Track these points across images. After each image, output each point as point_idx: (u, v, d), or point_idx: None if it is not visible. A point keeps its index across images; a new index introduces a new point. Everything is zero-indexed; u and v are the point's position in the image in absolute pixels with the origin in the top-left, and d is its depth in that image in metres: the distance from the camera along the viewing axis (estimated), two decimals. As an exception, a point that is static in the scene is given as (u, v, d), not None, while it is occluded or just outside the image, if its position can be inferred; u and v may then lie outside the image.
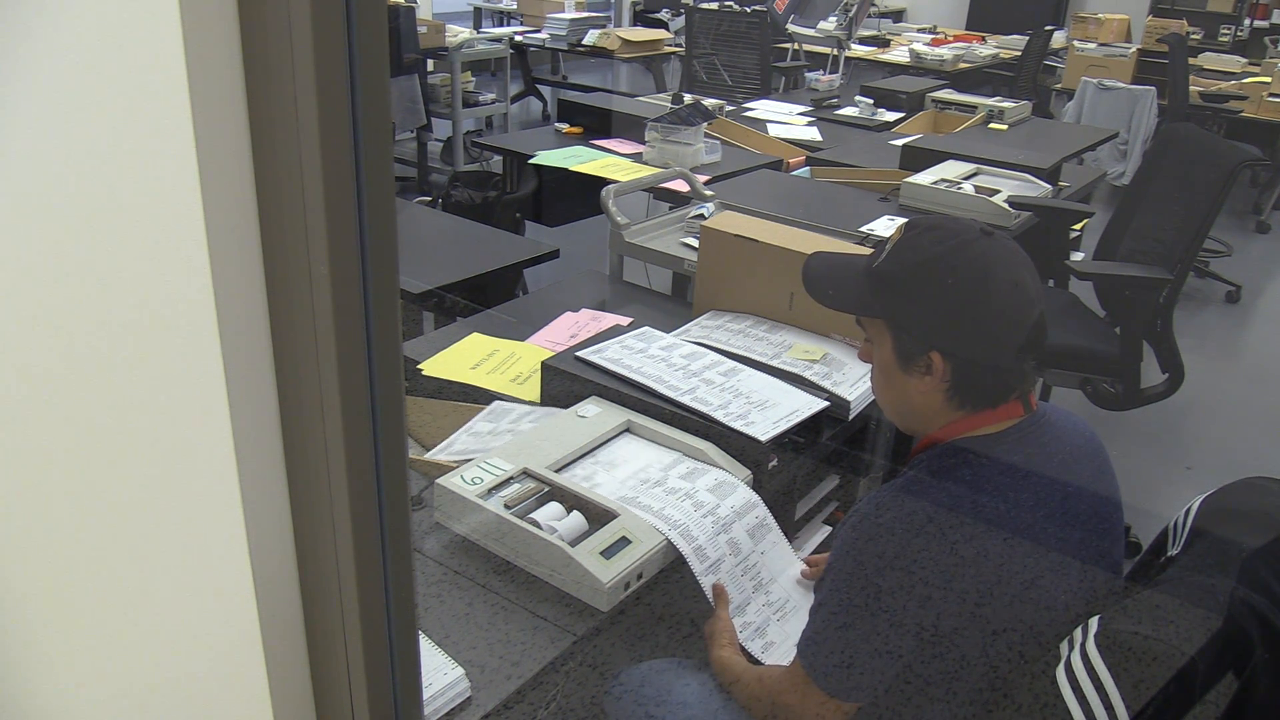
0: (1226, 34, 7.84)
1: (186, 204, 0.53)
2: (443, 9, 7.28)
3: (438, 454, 1.46)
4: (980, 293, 1.11)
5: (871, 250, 1.28)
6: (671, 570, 1.27)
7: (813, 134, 3.59)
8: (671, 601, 1.26)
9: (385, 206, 0.56)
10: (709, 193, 2.43)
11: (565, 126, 3.43)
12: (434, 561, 1.25)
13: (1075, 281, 2.85)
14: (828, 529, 1.67)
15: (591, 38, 6.10)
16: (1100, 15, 7.18)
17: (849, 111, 4.01)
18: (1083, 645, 1.00)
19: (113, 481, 0.68)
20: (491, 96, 5.97)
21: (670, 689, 1.38)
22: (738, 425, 1.43)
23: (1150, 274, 2.53)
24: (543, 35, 6.29)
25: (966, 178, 2.72)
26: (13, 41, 0.56)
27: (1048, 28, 6.49)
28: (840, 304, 1.25)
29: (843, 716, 1.12)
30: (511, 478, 1.32)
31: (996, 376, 1.12)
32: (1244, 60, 6.73)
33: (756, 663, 1.25)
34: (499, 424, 1.52)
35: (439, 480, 1.30)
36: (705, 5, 5.79)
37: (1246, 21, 8.01)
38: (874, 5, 6.18)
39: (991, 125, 3.75)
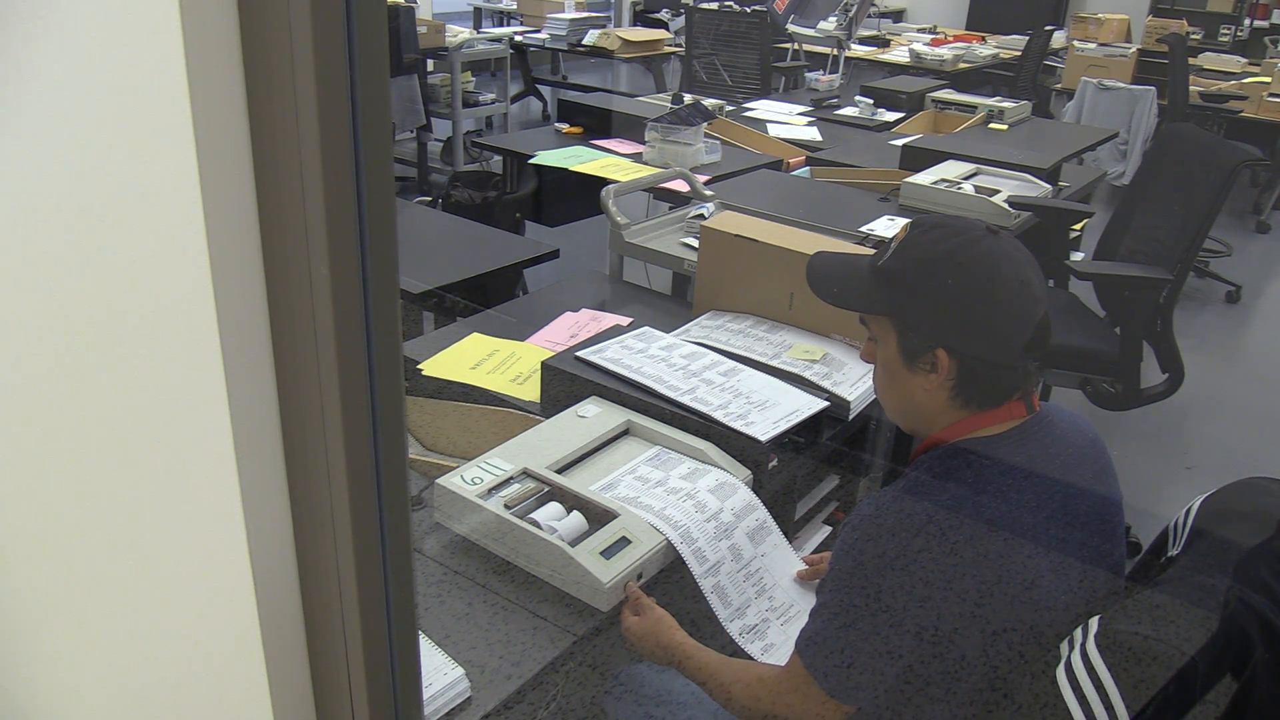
0: (1226, 34, 7.85)
1: (186, 204, 0.53)
2: (443, 9, 7.28)
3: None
4: (986, 290, 1.11)
5: (874, 249, 1.28)
6: (671, 570, 1.27)
7: (813, 134, 3.59)
8: (671, 602, 1.26)
9: (385, 206, 0.56)
10: (709, 193, 2.43)
11: (565, 126, 3.43)
12: (434, 561, 1.25)
13: (1075, 281, 2.85)
14: (828, 529, 1.67)
15: (591, 38, 6.10)
16: (1100, 15, 7.18)
17: (849, 111, 4.01)
18: (1083, 645, 1.00)
19: (113, 482, 0.68)
20: (491, 96, 5.97)
21: (670, 689, 1.38)
22: (738, 425, 1.43)
23: (1150, 274, 2.53)
24: (543, 35, 6.29)
25: (966, 178, 2.72)
26: (13, 42, 0.56)
27: (1048, 28, 6.49)
28: (845, 302, 1.25)
29: (843, 717, 1.12)
30: (511, 478, 1.32)
31: (1001, 375, 1.12)
32: (1244, 60, 6.73)
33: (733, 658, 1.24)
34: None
35: (439, 480, 1.30)
36: (705, 5, 5.79)
37: (1246, 21, 8.01)
38: (874, 5, 6.17)
39: (991, 125, 3.75)
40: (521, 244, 2.60)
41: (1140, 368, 2.53)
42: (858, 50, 6.11)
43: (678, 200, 2.66)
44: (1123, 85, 5.84)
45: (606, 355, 1.60)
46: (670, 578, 1.28)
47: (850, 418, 1.58)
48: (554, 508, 1.28)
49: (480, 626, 1.15)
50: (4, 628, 0.83)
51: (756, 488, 1.40)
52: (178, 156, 0.52)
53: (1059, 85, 6.66)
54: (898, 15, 8.85)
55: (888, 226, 2.40)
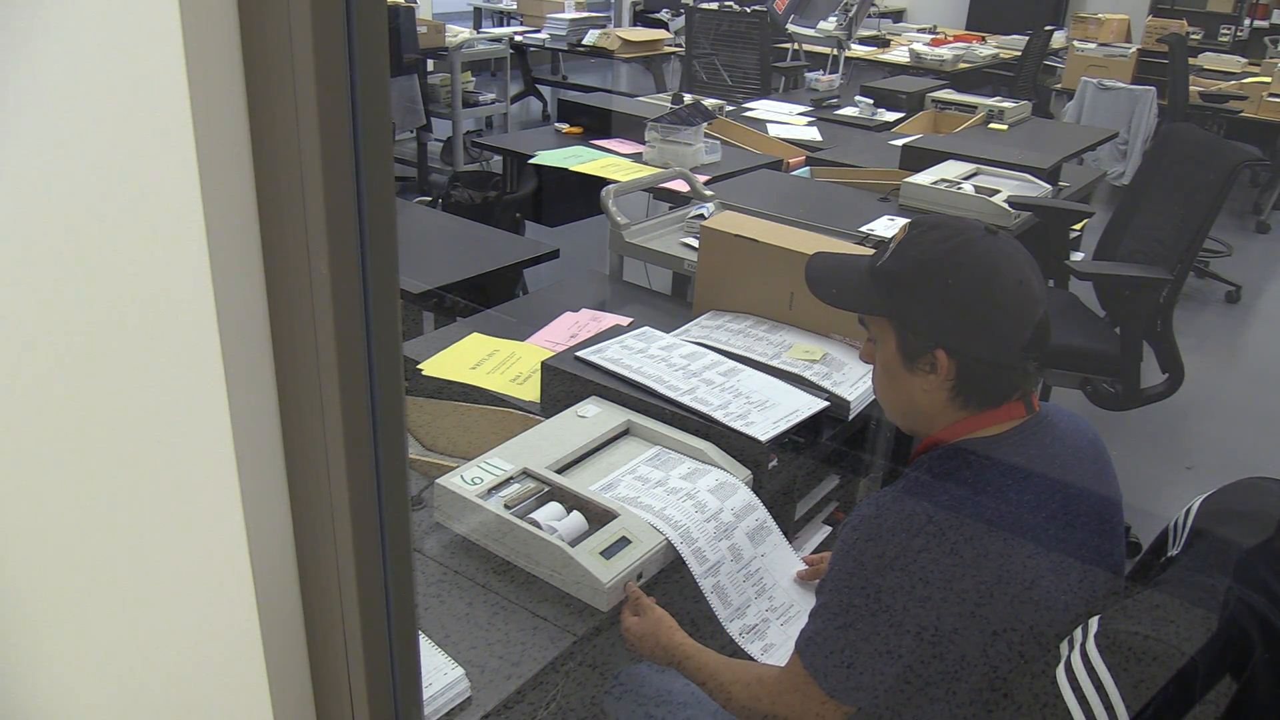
0: (1226, 34, 7.85)
1: (186, 204, 0.53)
2: (443, 9, 7.28)
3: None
4: (985, 290, 1.11)
5: (873, 250, 1.28)
6: (671, 570, 1.27)
7: (813, 134, 3.59)
8: (671, 602, 1.26)
9: (385, 206, 0.56)
10: (709, 193, 2.43)
11: (565, 126, 3.43)
12: (434, 561, 1.25)
13: (1075, 281, 2.85)
14: (828, 529, 1.67)
15: (591, 38, 6.10)
16: (1100, 15, 7.18)
17: (849, 111, 4.01)
18: (1083, 645, 1.00)
19: (113, 481, 0.68)
20: (491, 96, 5.97)
21: (670, 689, 1.38)
22: (738, 425, 1.43)
23: (1150, 274, 2.53)
24: (543, 35, 6.29)
25: (966, 178, 2.72)
26: (13, 42, 0.56)
27: (1048, 28, 6.49)
28: (844, 303, 1.25)
29: (843, 717, 1.12)
30: (511, 478, 1.32)
31: (1000, 375, 1.12)
32: (1244, 60, 6.73)
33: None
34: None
35: (439, 480, 1.30)
36: (705, 5, 5.79)
37: (1246, 21, 8.01)
38: (874, 5, 6.17)
39: (991, 125, 3.75)
40: (521, 244, 2.60)
41: (1140, 368, 2.53)
42: (858, 50, 6.11)
43: (678, 200, 2.66)
44: (1123, 85, 5.84)
45: (606, 355, 1.60)
46: (670, 578, 1.28)
47: (850, 418, 1.58)
48: (554, 508, 1.28)
49: (480, 626, 1.15)
50: (4, 628, 0.83)
51: (756, 488, 1.40)
52: (178, 156, 0.52)
53: (1059, 85, 6.66)
54: (898, 15, 8.85)
55: (887, 226, 2.40)
